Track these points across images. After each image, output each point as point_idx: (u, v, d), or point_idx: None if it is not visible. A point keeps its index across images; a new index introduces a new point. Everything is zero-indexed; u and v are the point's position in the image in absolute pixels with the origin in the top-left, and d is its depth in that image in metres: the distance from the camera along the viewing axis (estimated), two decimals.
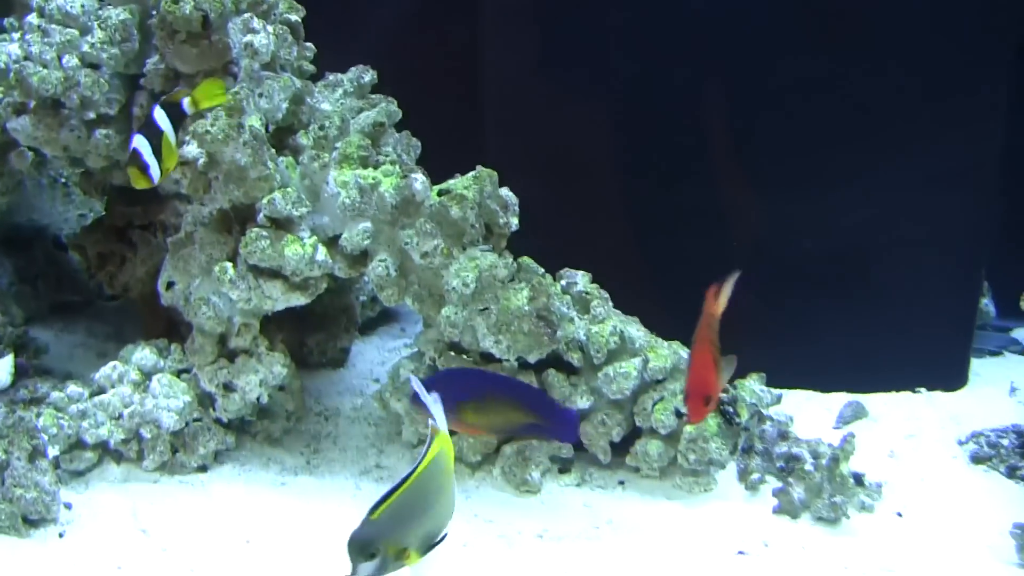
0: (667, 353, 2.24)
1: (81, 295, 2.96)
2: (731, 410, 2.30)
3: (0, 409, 2.38)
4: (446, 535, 1.69)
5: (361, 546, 1.62)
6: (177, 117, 2.03)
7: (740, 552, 2.02)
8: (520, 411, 2.02)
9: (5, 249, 2.77)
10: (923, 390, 2.79)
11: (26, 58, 2.30)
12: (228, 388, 2.29)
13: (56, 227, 2.93)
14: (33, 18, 2.34)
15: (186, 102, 2.02)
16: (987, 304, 3.06)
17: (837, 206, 2.66)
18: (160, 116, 1.96)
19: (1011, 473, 2.30)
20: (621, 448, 2.32)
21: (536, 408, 2.06)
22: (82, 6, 2.27)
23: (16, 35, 2.37)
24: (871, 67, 2.61)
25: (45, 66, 2.25)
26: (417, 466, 1.64)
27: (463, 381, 2.06)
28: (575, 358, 2.22)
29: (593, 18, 2.68)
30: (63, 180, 2.84)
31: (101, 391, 2.29)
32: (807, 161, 2.65)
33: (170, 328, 2.45)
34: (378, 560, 1.64)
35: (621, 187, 2.75)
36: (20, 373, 2.46)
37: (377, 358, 2.95)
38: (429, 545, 1.69)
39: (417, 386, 1.65)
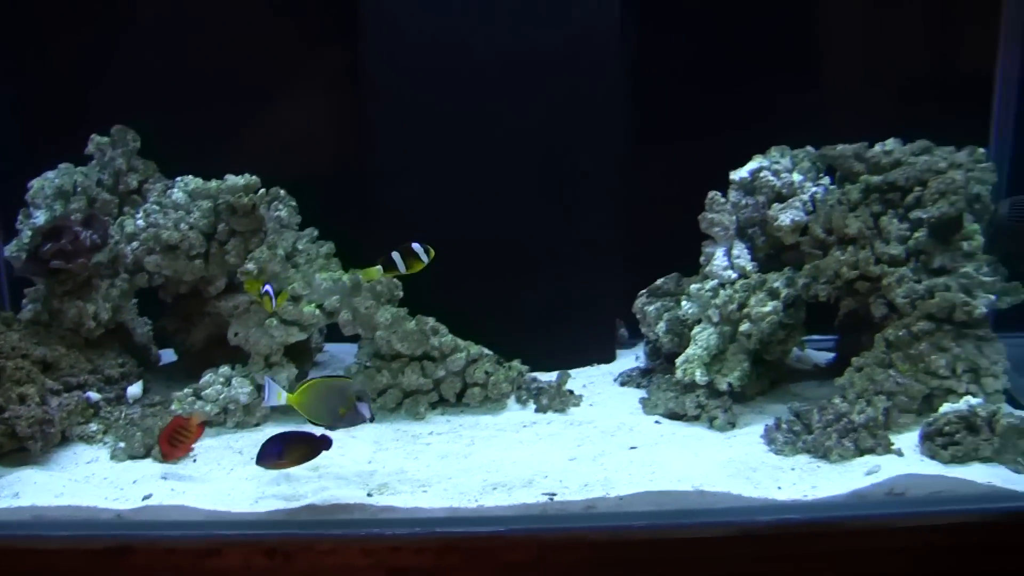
0: (476, 348, 4.11)
1: (142, 360, 4.49)
2: (507, 366, 4.23)
3: (139, 408, 4.00)
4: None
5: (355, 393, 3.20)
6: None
7: (524, 426, 3.84)
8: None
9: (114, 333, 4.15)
10: (595, 363, 4.51)
11: (150, 226, 4.16)
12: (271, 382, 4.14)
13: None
14: (152, 205, 4.18)
15: (271, 287, 3.63)
16: (623, 332, 4.98)
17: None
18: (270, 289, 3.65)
19: (638, 386, 4.33)
20: (460, 395, 3.94)
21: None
22: (186, 198, 4.15)
23: (140, 214, 4.19)
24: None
25: (168, 229, 4.12)
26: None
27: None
28: (436, 353, 4.11)
29: None
30: None
31: (204, 388, 3.76)
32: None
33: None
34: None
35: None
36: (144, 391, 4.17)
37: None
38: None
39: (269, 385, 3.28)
